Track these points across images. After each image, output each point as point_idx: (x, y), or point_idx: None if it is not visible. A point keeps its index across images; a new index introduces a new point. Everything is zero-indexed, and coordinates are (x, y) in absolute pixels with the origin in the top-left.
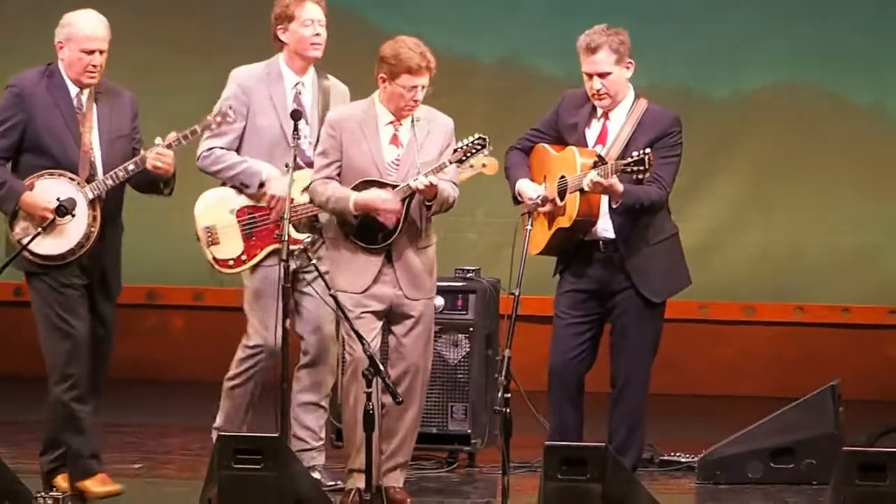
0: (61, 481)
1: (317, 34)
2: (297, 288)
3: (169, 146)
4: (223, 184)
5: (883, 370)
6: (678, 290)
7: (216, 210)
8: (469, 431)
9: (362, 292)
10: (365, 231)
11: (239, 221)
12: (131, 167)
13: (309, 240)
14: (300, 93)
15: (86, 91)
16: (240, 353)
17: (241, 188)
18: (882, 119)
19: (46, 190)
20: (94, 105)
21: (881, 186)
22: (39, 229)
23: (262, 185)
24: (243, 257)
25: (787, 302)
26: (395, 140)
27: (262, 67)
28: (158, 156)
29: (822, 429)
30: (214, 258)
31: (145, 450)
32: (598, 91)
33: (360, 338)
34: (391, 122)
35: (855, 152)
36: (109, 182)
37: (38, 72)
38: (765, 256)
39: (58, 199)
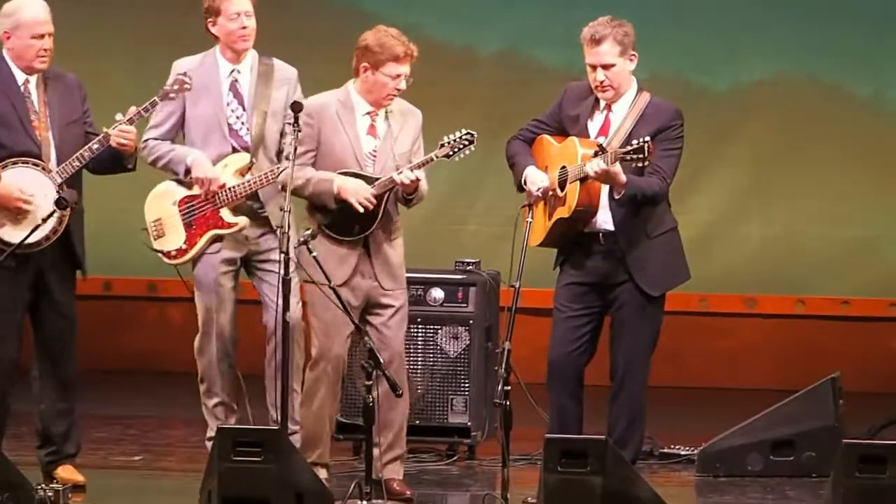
0: (61, 473)
1: (244, 27)
2: (255, 275)
3: (130, 121)
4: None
5: (883, 362)
6: (677, 283)
7: (161, 203)
8: (469, 424)
9: (340, 285)
10: (340, 223)
11: (180, 212)
12: (96, 146)
13: (309, 232)
14: (236, 80)
15: (33, 78)
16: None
17: (179, 179)
18: (882, 110)
19: (14, 180)
20: (43, 92)
21: (881, 178)
22: (41, 221)
23: (188, 171)
24: (185, 246)
25: (788, 294)
26: (372, 130)
27: (199, 58)
28: (122, 132)
29: (822, 421)
30: (161, 251)
31: (146, 442)
32: (601, 83)
33: (362, 331)
34: (368, 113)
35: (855, 144)
36: (76, 164)
37: None
38: (765, 249)
39: (58, 192)
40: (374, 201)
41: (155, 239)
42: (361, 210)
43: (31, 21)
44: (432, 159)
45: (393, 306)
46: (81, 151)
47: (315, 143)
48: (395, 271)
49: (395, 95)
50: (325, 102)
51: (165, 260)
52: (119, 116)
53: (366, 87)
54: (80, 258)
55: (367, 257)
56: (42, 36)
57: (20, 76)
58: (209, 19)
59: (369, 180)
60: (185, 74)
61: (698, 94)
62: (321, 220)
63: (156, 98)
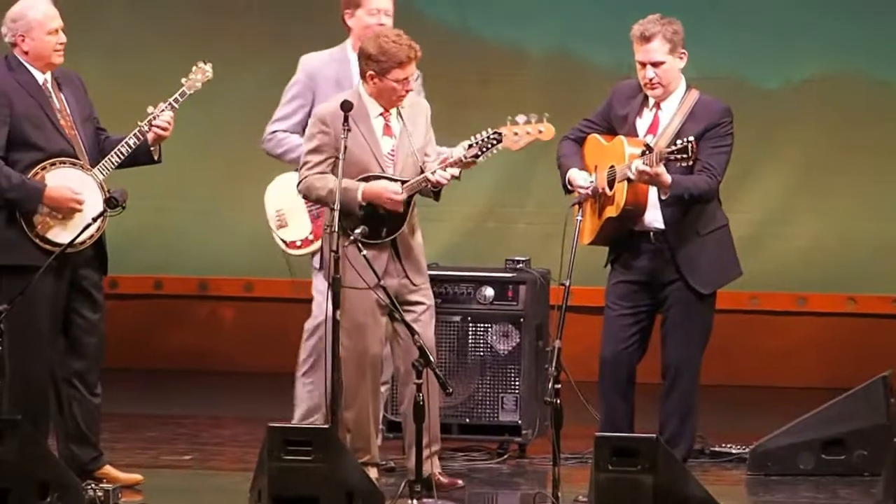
0: (109, 471)
1: (380, 24)
2: None
3: (171, 106)
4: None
5: None
6: (728, 281)
7: (286, 193)
8: (519, 422)
9: (374, 287)
10: (369, 226)
11: (307, 202)
12: (132, 140)
13: (359, 231)
14: None
15: (48, 76)
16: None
17: None
18: None
19: (62, 181)
20: (58, 90)
21: None
22: (90, 220)
23: None
24: (310, 237)
25: (839, 292)
26: (387, 130)
27: (329, 53)
28: (162, 119)
29: (873, 420)
30: (283, 240)
31: (197, 441)
32: (650, 80)
33: (411, 329)
34: (381, 114)
35: None
36: (115, 160)
37: (1, 67)
38: (816, 246)
39: (109, 191)
40: (402, 197)
41: (277, 228)
42: (398, 209)
43: (43, 18)
44: (461, 160)
45: (423, 304)
46: (119, 148)
47: (333, 150)
48: (422, 266)
49: (405, 96)
50: (337, 108)
51: (286, 249)
52: (150, 109)
53: (375, 93)
54: (107, 257)
55: (396, 256)
56: (56, 31)
57: (39, 76)
58: (347, 10)
59: (393, 181)
60: (204, 62)
61: (749, 92)
62: (348, 226)
63: (184, 89)
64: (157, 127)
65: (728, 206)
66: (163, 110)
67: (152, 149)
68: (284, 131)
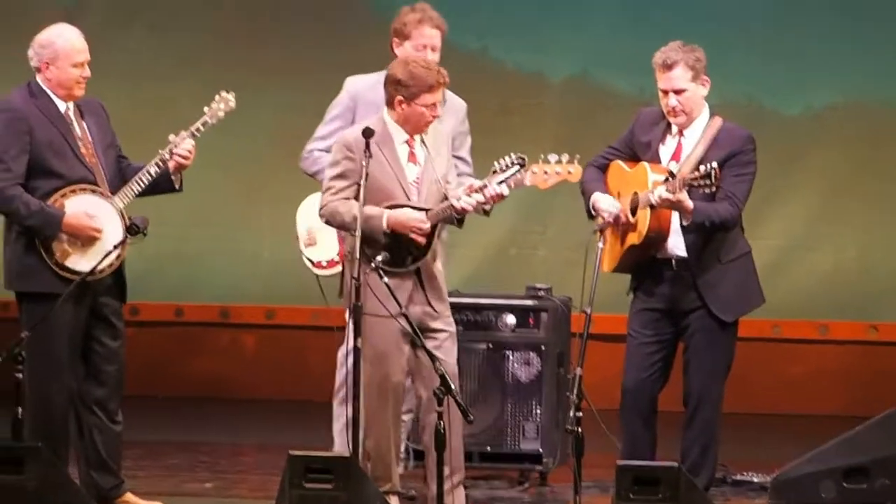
0: (130, 499)
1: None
2: None
3: (192, 135)
4: None
5: None
6: (750, 309)
7: (316, 211)
8: (541, 450)
9: (397, 315)
10: (393, 254)
11: None
12: (153, 170)
13: (381, 258)
14: None
15: (70, 104)
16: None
17: None
18: None
19: (81, 208)
20: (80, 117)
21: None
22: (111, 248)
23: None
24: (336, 258)
25: (861, 320)
26: (412, 158)
27: (376, 76)
28: (183, 148)
29: None
30: (310, 259)
31: (218, 469)
32: (673, 108)
33: (433, 357)
34: (406, 141)
35: None
36: (136, 188)
37: (22, 92)
38: (837, 274)
39: (129, 219)
40: (428, 227)
41: (305, 246)
42: (420, 240)
43: (70, 50)
44: (485, 186)
45: (446, 331)
46: (139, 176)
47: (357, 176)
48: (444, 293)
49: (432, 121)
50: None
51: (313, 269)
52: (172, 137)
53: (402, 118)
54: (126, 284)
55: (419, 284)
56: (82, 64)
57: (61, 105)
58: (395, 39)
59: (417, 210)
60: (227, 91)
61: (770, 119)
62: (371, 254)
63: (206, 118)
64: (179, 155)
65: (749, 233)
66: (184, 139)
67: (173, 177)
68: (321, 150)
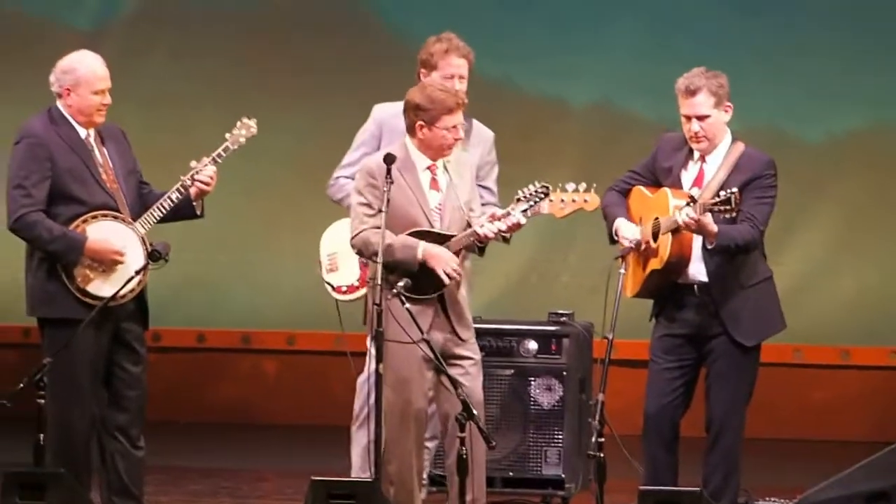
0: None
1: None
2: None
3: (214, 161)
4: None
5: None
6: (772, 334)
7: (341, 238)
8: (563, 476)
9: (418, 342)
10: (417, 282)
11: None
12: (175, 195)
13: (402, 284)
14: None
15: (91, 131)
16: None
17: None
18: None
19: (102, 233)
20: (101, 143)
21: None
22: (133, 273)
23: None
24: (356, 283)
25: (882, 345)
26: (434, 185)
27: (401, 104)
28: (205, 175)
29: None
30: (330, 284)
31: (240, 494)
32: (696, 134)
33: (455, 383)
34: (428, 167)
35: None
36: (157, 214)
37: (42, 119)
38: (859, 300)
39: (151, 245)
40: (461, 271)
41: (327, 271)
42: (448, 281)
43: (92, 77)
44: (509, 213)
45: (471, 358)
46: (161, 202)
47: (381, 203)
48: (468, 320)
49: (454, 144)
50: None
51: (333, 294)
52: (193, 164)
53: (424, 144)
54: (148, 310)
55: (442, 310)
56: (103, 91)
57: (82, 131)
58: (423, 69)
59: (443, 238)
60: (248, 118)
61: (792, 146)
62: (394, 280)
63: (228, 144)
64: (200, 182)
65: (771, 259)
66: (206, 165)
67: (195, 203)
68: (347, 177)
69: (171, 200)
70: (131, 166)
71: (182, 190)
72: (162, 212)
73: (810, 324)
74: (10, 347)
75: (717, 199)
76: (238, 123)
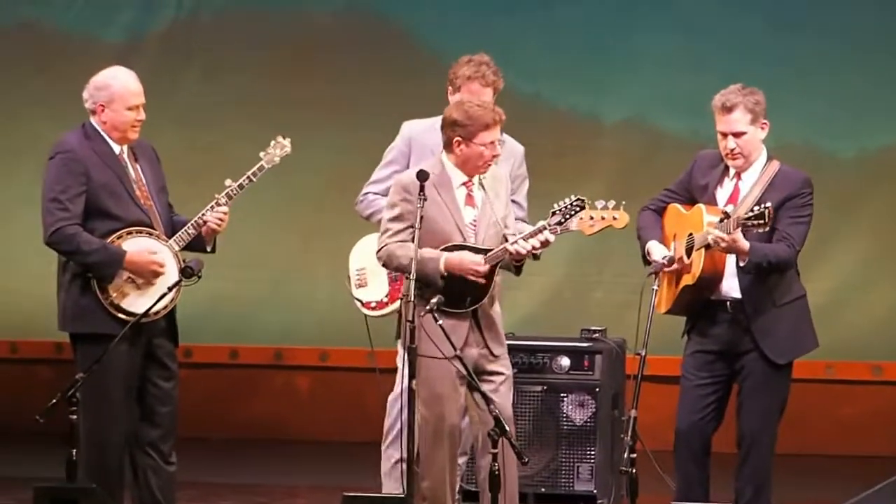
0: None
1: None
2: None
3: (228, 196)
4: None
5: None
6: (804, 352)
7: (370, 254)
8: (595, 491)
9: (451, 358)
10: (451, 297)
11: None
12: (191, 230)
13: (436, 300)
14: None
15: (125, 147)
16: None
17: None
18: None
19: (139, 248)
20: (134, 160)
21: None
22: (167, 289)
23: None
24: (385, 300)
25: None
26: (469, 201)
27: (431, 121)
28: (214, 217)
29: None
30: (359, 300)
31: None
32: (731, 150)
33: (487, 399)
34: (464, 183)
35: None
36: (192, 231)
37: (77, 134)
38: (891, 315)
39: (184, 261)
40: (485, 269)
41: (356, 287)
42: (479, 281)
43: (126, 93)
44: (545, 228)
45: (502, 374)
46: (196, 219)
47: (414, 218)
48: (501, 336)
49: (492, 160)
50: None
51: (362, 309)
52: (228, 182)
53: (461, 160)
54: (177, 325)
55: (476, 326)
56: (137, 107)
57: (116, 147)
58: (450, 87)
59: (476, 251)
60: (283, 136)
61: (825, 162)
62: (428, 297)
63: (263, 163)
64: (211, 222)
65: (804, 275)
66: (220, 205)
67: (206, 238)
68: (376, 194)
69: (203, 218)
70: (162, 184)
71: (196, 225)
72: (195, 229)
73: (842, 340)
74: (43, 363)
75: (751, 214)
76: (272, 143)
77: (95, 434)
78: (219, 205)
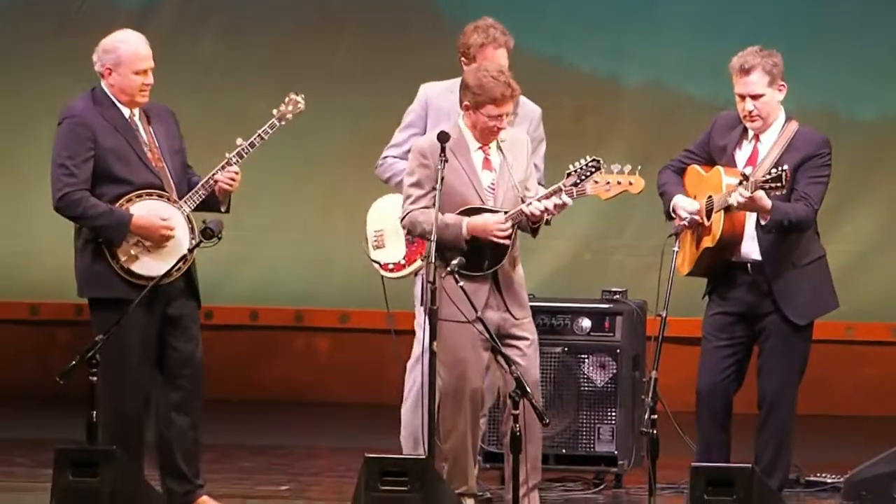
0: (206, 502)
1: None
2: None
3: (239, 155)
4: None
5: None
6: (824, 312)
7: (388, 215)
8: (616, 452)
9: (473, 321)
10: (470, 260)
11: None
12: (202, 192)
13: (456, 262)
14: None
15: (136, 111)
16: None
17: None
18: None
19: (148, 211)
20: (147, 123)
21: None
22: (186, 251)
23: None
24: (402, 262)
25: None
26: (487, 164)
27: (447, 84)
28: (225, 176)
29: None
30: (377, 262)
31: (293, 471)
32: (749, 112)
33: (509, 361)
34: (480, 147)
35: None
36: (202, 193)
37: (86, 99)
38: None
39: (203, 222)
40: (508, 229)
41: (374, 248)
42: (505, 242)
43: (133, 57)
44: (560, 189)
45: (528, 338)
46: (206, 179)
47: (434, 182)
48: (523, 300)
49: (496, 134)
50: (435, 140)
51: (380, 271)
52: (239, 141)
53: (470, 124)
54: (198, 286)
55: (497, 289)
56: (144, 71)
57: (125, 111)
58: (462, 57)
59: (495, 213)
60: (295, 93)
61: (845, 124)
62: (450, 258)
63: (274, 120)
64: (222, 182)
65: (824, 238)
66: (231, 163)
67: (220, 198)
68: (395, 157)
69: (214, 179)
70: (178, 146)
71: (211, 184)
72: (206, 190)
73: (862, 301)
74: (63, 325)
75: (768, 177)
76: (286, 99)
77: (114, 397)
78: (230, 164)
